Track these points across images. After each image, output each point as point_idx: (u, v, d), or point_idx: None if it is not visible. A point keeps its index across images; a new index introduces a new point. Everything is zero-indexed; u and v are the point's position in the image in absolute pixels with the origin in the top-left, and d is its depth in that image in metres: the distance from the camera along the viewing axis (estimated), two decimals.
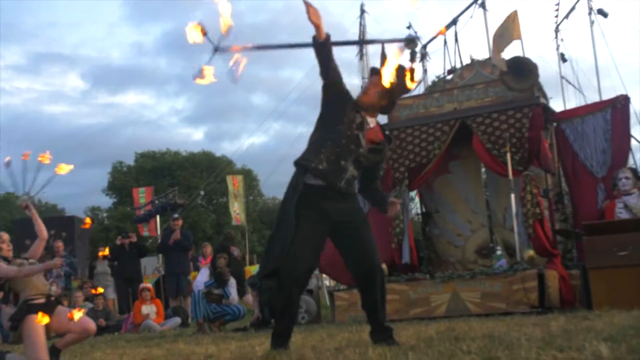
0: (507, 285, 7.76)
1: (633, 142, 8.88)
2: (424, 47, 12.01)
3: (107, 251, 11.78)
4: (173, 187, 22.30)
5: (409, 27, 13.45)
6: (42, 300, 5.29)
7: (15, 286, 5.38)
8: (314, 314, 9.48)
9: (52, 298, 5.45)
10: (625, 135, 8.72)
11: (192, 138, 68.79)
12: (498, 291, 7.83)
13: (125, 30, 79.92)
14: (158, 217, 16.79)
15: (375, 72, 4.51)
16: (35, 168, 5.25)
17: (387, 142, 4.55)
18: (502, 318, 6.54)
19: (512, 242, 8.66)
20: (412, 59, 12.45)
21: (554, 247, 8.31)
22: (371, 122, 4.43)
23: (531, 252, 8.07)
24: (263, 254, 4.41)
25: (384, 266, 8.46)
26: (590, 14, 13.48)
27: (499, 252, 11.67)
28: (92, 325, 5.46)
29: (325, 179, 4.21)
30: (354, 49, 19.49)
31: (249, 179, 39.50)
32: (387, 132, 4.64)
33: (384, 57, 12.15)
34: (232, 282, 9.57)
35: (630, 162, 8.95)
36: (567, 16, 13.10)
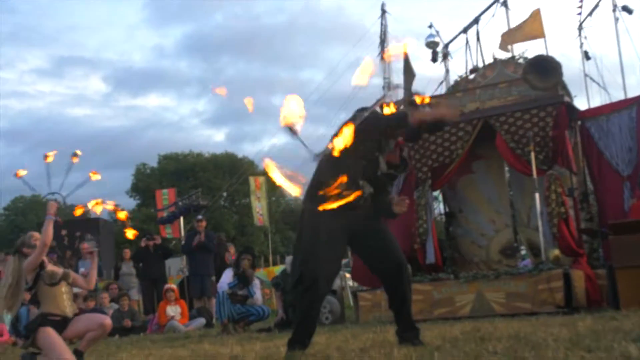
0: (532, 285, 7.70)
1: None
2: (446, 46, 11.99)
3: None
4: (196, 188, 22.43)
5: (430, 27, 13.43)
6: (57, 319, 5.34)
7: (40, 296, 5.43)
8: (338, 314, 9.48)
9: (69, 318, 5.45)
10: None
11: (213, 140, 69.13)
12: (523, 291, 7.77)
13: (145, 33, 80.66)
14: (182, 219, 16.89)
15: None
16: (67, 169, 5.28)
17: (404, 166, 4.57)
18: (527, 318, 6.49)
19: (536, 241, 8.60)
20: (434, 59, 12.43)
21: (580, 246, 8.23)
22: (391, 143, 4.45)
23: (556, 252, 8.01)
24: (292, 265, 4.45)
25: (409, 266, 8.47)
26: (614, 10, 13.33)
27: (523, 252, 11.57)
28: (107, 320, 5.49)
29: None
30: (375, 48, 19.43)
31: (271, 180, 39.54)
32: (404, 155, 4.62)
33: (406, 61, 12.10)
34: (256, 282, 9.60)
35: None
36: (590, 13, 12.94)
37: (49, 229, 5.37)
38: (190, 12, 75.91)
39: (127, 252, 13.43)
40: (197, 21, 78.27)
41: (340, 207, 4.19)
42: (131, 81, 73.88)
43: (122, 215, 6.67)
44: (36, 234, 5.58)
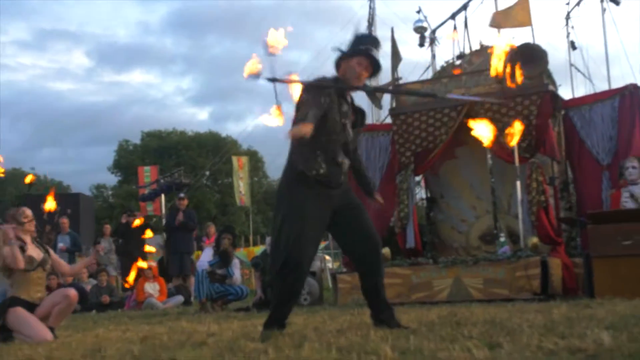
0: (510, 272, 7.76)
1: None
2: (433, 32, 11.98)
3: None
4: (179, 166, 22.35)
5: (418, 12, 13.40)
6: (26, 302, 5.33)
7: (14, 279, 5.38)
8: (317, 296, 9.51)
9: (37, 304, 5.43)
10: (633, 123, 8.65)
11: (197, 118, 68.88)
12: (501, 278, 7.83)
13: (131, 8, 79.88)
14: (163, 196, 16.83)
15: (363, 53, 4.31)
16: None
17: (361, 115, 4.51)
18: (504, 304, 6.55)
19: (516, 229, 8.66)
20: (422, 44, 12.42)
21: (558, 235, 8.30)
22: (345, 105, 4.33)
23: (535, 240, 8.06)
24: (273, 248, 4.26)
25: (386, 250, 8.51)
26: (602, 1, 13.37)
27: (502, 239, 11.66)
28: (72, 291, 5.44)
29: (327, 180, 4.19)
30: (364, 27, 19.33)
31: (254, 160, 39.53)
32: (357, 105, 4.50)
33: (393, 42, 12.12)
34: (236, 262, 9.59)
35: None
36: (578, 3, 12.99)
37: (17, 255, 5.27)
38: None
39: (107, 228, 13.37)
40: None
41: (322, 187, 4.19)
42: (115, 56, 73.27)
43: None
44: (27, 212, 5.53)
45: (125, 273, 12.63)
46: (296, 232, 4.08)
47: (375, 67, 4.35)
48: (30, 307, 5.33)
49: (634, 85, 8.79)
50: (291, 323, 5.16)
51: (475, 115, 8.89)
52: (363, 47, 4.32)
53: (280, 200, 4.26)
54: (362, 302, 7.38)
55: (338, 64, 4.33)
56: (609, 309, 4.89)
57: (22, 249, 5.33)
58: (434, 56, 11.93)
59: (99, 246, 6.58)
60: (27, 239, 5.46)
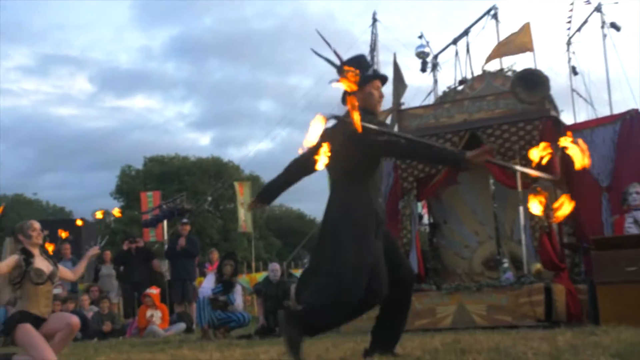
0: (514, 298, 7.71)
1: None
2: (435, 57, 12.03)
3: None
4: (181, 192, 22.37)
5: (420, 37, 13.48)
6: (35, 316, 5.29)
7: (22, 293, 5.36)
8: None
9: (44, 319, 5.40)
10: (636, 147, 8.64)
11: (198, 143, 69.12)
12: (504, 304, 7.79)
13: (133, 33, 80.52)
14: (165, 222, 16.81)
15: (376, 77, 4.36)
16: None
17: None
18: (508, 331, 6.49)
19: (519, 254, 8.62)
20: (424, 70, 12.47)
21: (562, 260, 8.26)
22: None
23: (538, 266, 8.03)
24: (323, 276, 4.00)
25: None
26: (602, 27, 13.45)
27: (505, 265, 11.62)
28: (74, 319, 5.40)
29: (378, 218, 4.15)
30: (366, 53, 19.44)
31: (257, 185, 39.56)
32: None
33: (396, 67, 12.18)
34: (238, 288, 9.55)
35: None
36: (579, 29, 13.05)
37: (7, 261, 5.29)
38: (178, 14, 75.93)
39: (108, 254, 13.33)
40: (186, 23, 78.32)
41: (373, 223, 4.08)
42: (117, 82, 73.76)
43: None
44: (35, 224, 5.52)
45: (126, 300, 12.59)
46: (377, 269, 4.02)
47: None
48: (38, 322, 5.29)
49: (635, 110, 8.81)
50: None
51: (478, 141, 8.94)
52: (370, 71, 4.31)
53: (335, 232, 4.07)
54: (365, 330, 7.32)
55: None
56: (614, 337, 4.84)
57: (29, 262, 5.31)
58: (436, 81, 11.96)
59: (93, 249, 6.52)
60: (35, 251, 5.44)
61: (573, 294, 7.82)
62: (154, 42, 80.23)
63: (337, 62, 4.27)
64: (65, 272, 5.84)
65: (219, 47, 73.49)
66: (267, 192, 4.53)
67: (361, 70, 4.16)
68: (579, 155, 3.95)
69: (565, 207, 3.92)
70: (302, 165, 4.28)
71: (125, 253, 12.50)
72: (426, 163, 4.34)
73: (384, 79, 4.33)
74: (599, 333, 5.37)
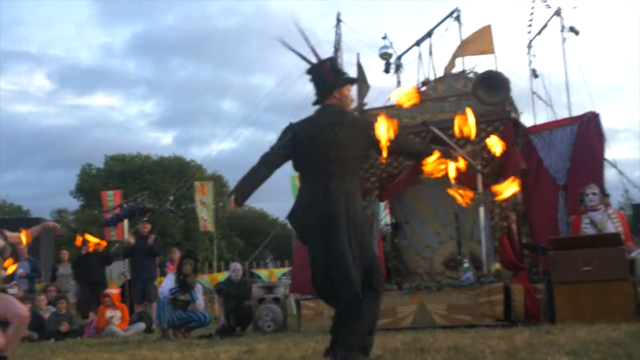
0: (474, 298, 7.79)
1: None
2: (399, 58, 12.08)
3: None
4: (142, 191, 22.10)
5: (384, 38, 13.54)
6: None
7: None
8: (280, 322, 9.43)
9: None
10: (592, 149, 8.82)
11: (160, 142, 68.30)
12: (464, 304, 7.86)
13: (94, 30, 79.15)
14: (126, 222, 16.59)
15: (351, 82, 4.49)
16: None
17: None
18: (467, 330, 6.56)
19: (479, 255, 8.72)
20: (387, 70, 12.52)
21: (521, 260, 8.37)
22: None
23: (498, 266, 8.13)
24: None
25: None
26: (562, 31, 13.69)
27: (466, 265, 11.74)
28: (23, 310, 5.31)
29: None
30: (329, 53, 19.46)
31: (220, 185, 39.32)
32: None
33: (359, 67, 12.22)
34: (198, 287, 9.47)
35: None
36: (539, 32, 13.26)
37: None
38: (140, 12, 74.96)
39: (65, 254, 13.12)
40: (148, 21, 77.41)
41: None
42: (77, 79, 72.34)
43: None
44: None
45: (84, 300, 12.39)
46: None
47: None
48: None
49: (593, 113, 8.97)
50: (254, 350, 5.11)
51: (439, 142, 9.00)
52: (344, 74, 4.44)
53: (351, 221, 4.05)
54: (326, 329, 7.32)
55: (327, 93, 4.27)
56: (569, 335, 4.93)
57: None
58: (399, 82, 12.01)
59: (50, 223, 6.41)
60: None
61: (531, 293, 7.93)
62: (116, 40, 79.02)
63: (314, 60, 4.30)
64: (14, 235, 5.72)
65: (181, 45, 72.69)
66: (244, 191, 4.34)
67: (336, 73, 4.32)
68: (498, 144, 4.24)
69: (508, 188, 4.13)
70: (276, 162, 4.26)
71: (82, 257, 12.30)
72: (417, 154, 4.36)
73: (354, 82, 4.54)
74: (555, 332, 5.46)
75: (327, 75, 4.23)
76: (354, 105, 11.10)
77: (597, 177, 8.40)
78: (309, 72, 4.30)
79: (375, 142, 4.14)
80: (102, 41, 78.75)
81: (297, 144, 4.14)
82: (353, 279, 3.78)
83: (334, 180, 4.04)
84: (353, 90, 4.59)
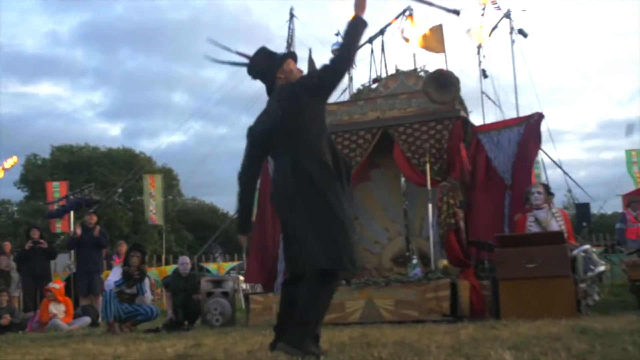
0: (421, 294, 7.88)
1: (545, 157, 9.21)
2: None
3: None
4: (89, 183, 21.71)
5: (337, 34, 13.58)
6: None
7: None
8: (229, 316, 9.39)
9: None
10: (532, 149, 9.05)
11: (108, 133, 67.15)
12: (412, 299, 7.94)
13: (39, 17, 77.22)
14: (72, 213, 16.29)
15: (289, 56, 4.32)
16: None
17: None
18: (414, 326, 6.64)
19: (427, 251, 8.83)
20: None
21: (468, 257, 8.51)
22: None
23: (445, 262, 8.24)
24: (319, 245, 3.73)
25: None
26: (511, 33, 13.96)
27: (414, 261, 11.88)
28: None
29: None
30: (282, 48, 19.45)
31: (169, 178, 38.89)
32: None
33: (311, 62, 12.23)
34: (146, 281, 9.36)
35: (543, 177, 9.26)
36: (489, 34, 13.50)
37: None
38: (88, 0, 73.39)
39: (7, 245, 12.80)
40: (96, 10, 75.85)
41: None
42: (22, 67, 70.47)
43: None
44: None
45: (27, 293, 12.12)
46: (349, 232, 3.88)
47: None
48: None
49: (539, 114, 9.17)
50: (201, 344, 5.07)
51: (390, 139, 9.09)
52: (278, 54, 4.30)
53: (307, 191, 3.82)
54: (273, 323, 7.31)
55: (272, 80, 4.17)
56: (512, 330, 5.04)
57: None
58: (351, 79, 12.09)
59: None
60: None
61: (477, 289, 8.07)
62: (62, 27, 77.25)
63: (245, 60, 4.25)
64: None
65: (131, 35, 71.55)
66: (246, 219, 4.19)
67: (271, 57, 4.22)
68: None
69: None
70: (256, 165, 4.18)
71: (26, 252, 12.02)
72: (352, 53, 4.17)
73: (294, 56, 4.35)
74: (499, 327, 5.56)
75: (262, 63, 4.19)
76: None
77: (528, 176, 8.67)
78: (249, 72, 4.25)
79: (312, 87, 3.97)
80: (48, 28, 76.89)
81: (261, 137, 4.07)
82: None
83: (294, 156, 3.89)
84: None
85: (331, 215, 3.78)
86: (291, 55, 4.33)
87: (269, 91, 4.22)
